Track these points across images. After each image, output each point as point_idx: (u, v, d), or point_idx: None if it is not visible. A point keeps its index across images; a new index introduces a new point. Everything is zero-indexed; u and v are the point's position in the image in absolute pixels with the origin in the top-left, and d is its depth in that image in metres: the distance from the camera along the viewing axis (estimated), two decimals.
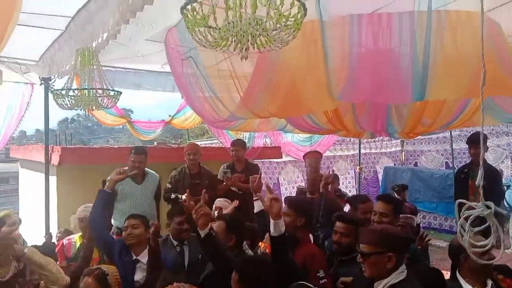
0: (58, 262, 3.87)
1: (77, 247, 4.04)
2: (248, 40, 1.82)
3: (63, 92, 3.83)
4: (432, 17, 2.68)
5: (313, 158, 4.94)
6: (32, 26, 3.96)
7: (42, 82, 5.42)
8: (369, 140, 11.06)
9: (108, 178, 3.68)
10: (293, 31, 1.84)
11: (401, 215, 4.42)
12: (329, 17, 2.83)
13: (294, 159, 9.68)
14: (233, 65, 4.10)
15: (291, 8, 1.75)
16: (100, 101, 3.88)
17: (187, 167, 5.15)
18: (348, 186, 11.45)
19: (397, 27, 2.90)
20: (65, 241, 4.21)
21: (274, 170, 10.66)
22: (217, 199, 4.40)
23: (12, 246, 2.91)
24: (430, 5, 2.60)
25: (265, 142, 8.76)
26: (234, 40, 1.85)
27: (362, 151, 10.81)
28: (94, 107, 3.93)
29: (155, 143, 9.43)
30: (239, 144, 5.49)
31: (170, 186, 5.10)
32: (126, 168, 3.92)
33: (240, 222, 3.22)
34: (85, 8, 3.54)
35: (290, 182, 10.52)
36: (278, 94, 3.68)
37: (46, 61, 4.97)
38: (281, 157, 9.17)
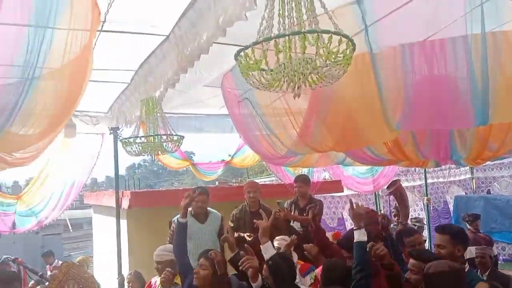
0: None
1: None
2: (299, 79, 1.89)
3: (131, 140, 4.10)
4: (487, 39, 2.61)
5: (397, 186, 4.87)
6: (101, 81, 4.33)
7: (111, 131, 5.81)
8: (436, 168, 10.57)
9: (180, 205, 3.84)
10: (343, 66, 1.88)
11: (477, 246, 4.14)
12: (379, 48, 2.85)
13: (357, 192, 9.44)
14: (288, 102, 4.19)
15: (339, 45, 1.80)
16: (165, 146, 4.11)
17: (247, 205, 5.21)
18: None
19: (451, 52, 2.85)
20: (153, 280, 4.34)
21: (337, 205, 10.44)
22: (277, 237, 4.39)
23: None
24: (483, 27, 2.54)
25: (324, 176, 8.68)
26: (286, 80, 1.92)
27: (429, 180, 10.29)
28: (159, 152, 4.16)
29: (217, 182, 9.66)
30: (301, 180, 5.48)
31: (232, 225, 5.18)
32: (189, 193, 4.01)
33: (278, 263, 3.05)
34: (146, 62, 3.84)
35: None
36: (335, 127, 3.69)
37: (114, 112, 5.37)
38: (343, 191, 8.99)
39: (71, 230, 17.26)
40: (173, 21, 3.18)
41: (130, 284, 4.68)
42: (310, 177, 6.32)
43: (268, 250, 3.07)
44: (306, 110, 3.99)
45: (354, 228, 3.22)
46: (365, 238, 3.06)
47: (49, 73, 2.72)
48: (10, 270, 5.41)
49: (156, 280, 4.28)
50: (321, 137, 3.81)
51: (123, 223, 6.12)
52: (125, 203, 6.09)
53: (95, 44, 3.27)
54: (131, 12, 3.13)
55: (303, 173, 6.53)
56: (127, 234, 6.21)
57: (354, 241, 3.10)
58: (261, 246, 3.16)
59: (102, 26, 3.21)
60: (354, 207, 3.23)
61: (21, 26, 2.43)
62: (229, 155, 9.31)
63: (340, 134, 3.64)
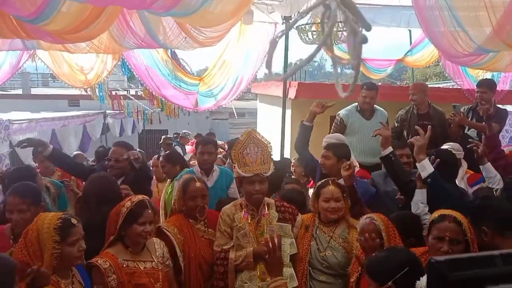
0: None
1: None
2: None
3: (306, 27, 4.12)
4: None
5: None
6: None
7: (284, 21, 5.87)
8: None
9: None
10: None
11: None
12: None
13: None
14: None
15: None
16: (339, 36, 4.03)
17: (414, 107, 4.92)
18: None
19: None
20: None
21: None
22: (446, 143, 4.13)
23: None
24: None
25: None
26: None
27: None
28: (333, 41, 4.11)
29: (380, 83, 9.30)
30: (486, 84, 4.81)
31: (397, 125, 5.00)
32: (326, 104, 4.12)
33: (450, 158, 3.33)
34: None
35: None
36: None
37: (288, 1, 5.35)
38: None
39: (236, 118, 18.86)
40: None
41: (293, 169, 5.05)
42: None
43: (425, 168, 2.90)
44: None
45: None
46: None
47: None
48: None
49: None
50: None
51: (288, 112, 6.43)
52: (291, 93, 6.34)
53: None
54: None
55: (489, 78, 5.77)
56: (290, 122, 6.53)
57: None
58: (417, 164, 3.01)
59: None
60: None
61: None
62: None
63: None
